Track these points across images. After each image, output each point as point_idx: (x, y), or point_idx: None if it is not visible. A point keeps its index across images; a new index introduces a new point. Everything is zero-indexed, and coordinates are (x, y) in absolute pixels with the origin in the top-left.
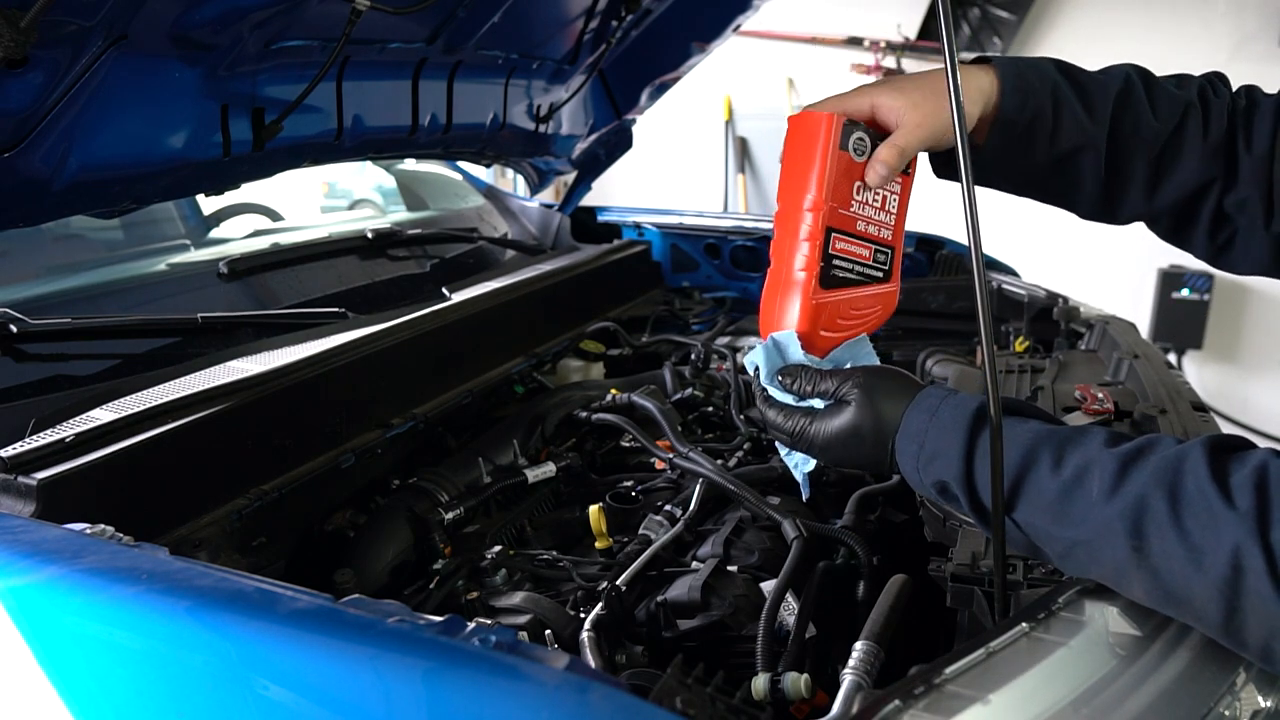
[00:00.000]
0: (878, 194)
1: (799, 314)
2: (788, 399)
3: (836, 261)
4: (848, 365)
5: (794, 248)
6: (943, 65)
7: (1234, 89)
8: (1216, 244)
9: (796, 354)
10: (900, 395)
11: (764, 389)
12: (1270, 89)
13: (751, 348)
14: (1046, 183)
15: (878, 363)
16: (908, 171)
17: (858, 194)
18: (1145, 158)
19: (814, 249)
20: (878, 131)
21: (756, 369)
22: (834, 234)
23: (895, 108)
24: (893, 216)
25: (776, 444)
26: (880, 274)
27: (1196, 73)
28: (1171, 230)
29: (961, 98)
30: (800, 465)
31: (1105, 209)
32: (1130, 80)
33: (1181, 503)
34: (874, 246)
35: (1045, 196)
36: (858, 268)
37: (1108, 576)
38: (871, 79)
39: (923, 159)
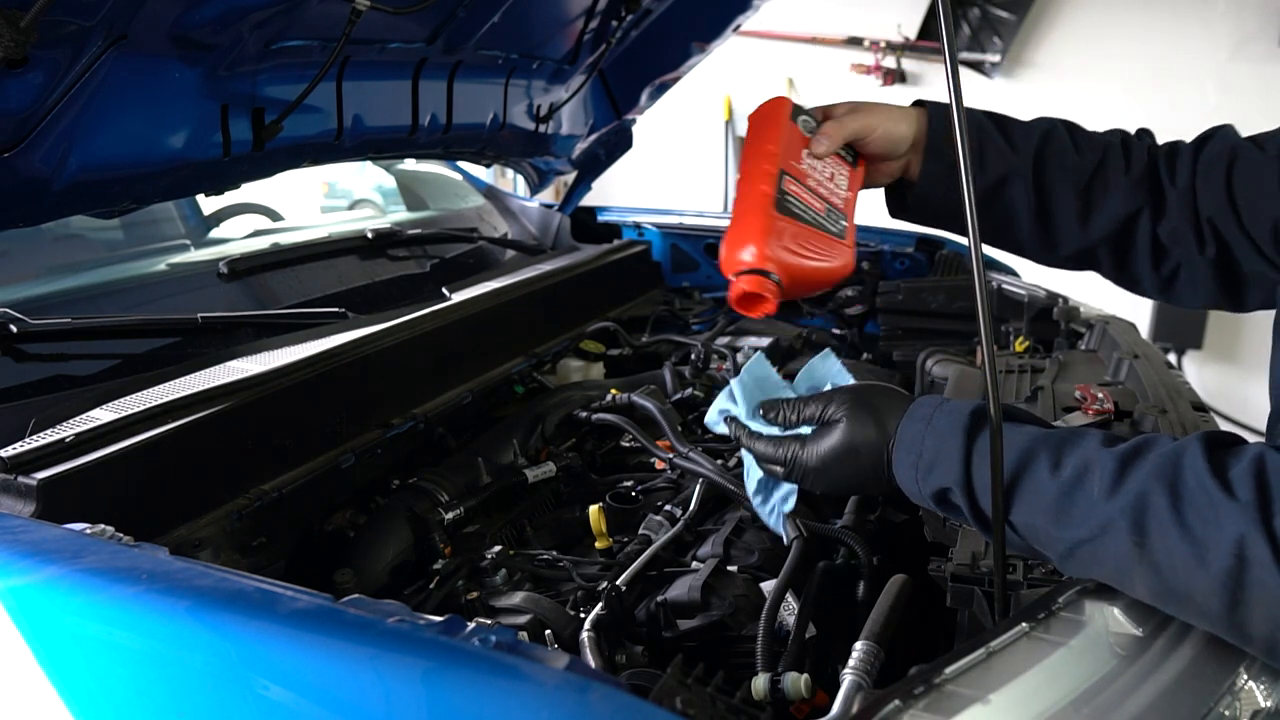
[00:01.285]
0: (827, 166)
1: (758, 230)
2: (774, 431)
3: (789, 199)
4: (826, 386)
5: (751, 189)
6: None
7: (1157, 141)
8: (1162, 276)
9: (773, 380)
10: (890, 408)
11: (745, 426)
12: (1270, 89)
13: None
14: (982, 216)
15: (850, 379)
16: (855, 165)
17: (807, 158)
18: (1073, 189)
19: (769, 183)
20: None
21: (728, 416)
22: (785, 176)
23: (840, 105)
24: (844, 191)
25: (749, 493)
26: (835, 229)
27: (1197, 73)
28: (1116, 267)
29: (962, 97)
30: (778, 506)
31: (1045, 244)
32: (1052, 123)
33: (1182, 498)
34: (826, 204)
35: (986, 235)
36: (811, 213)
37: (1109, 576)
38: (872, 79)
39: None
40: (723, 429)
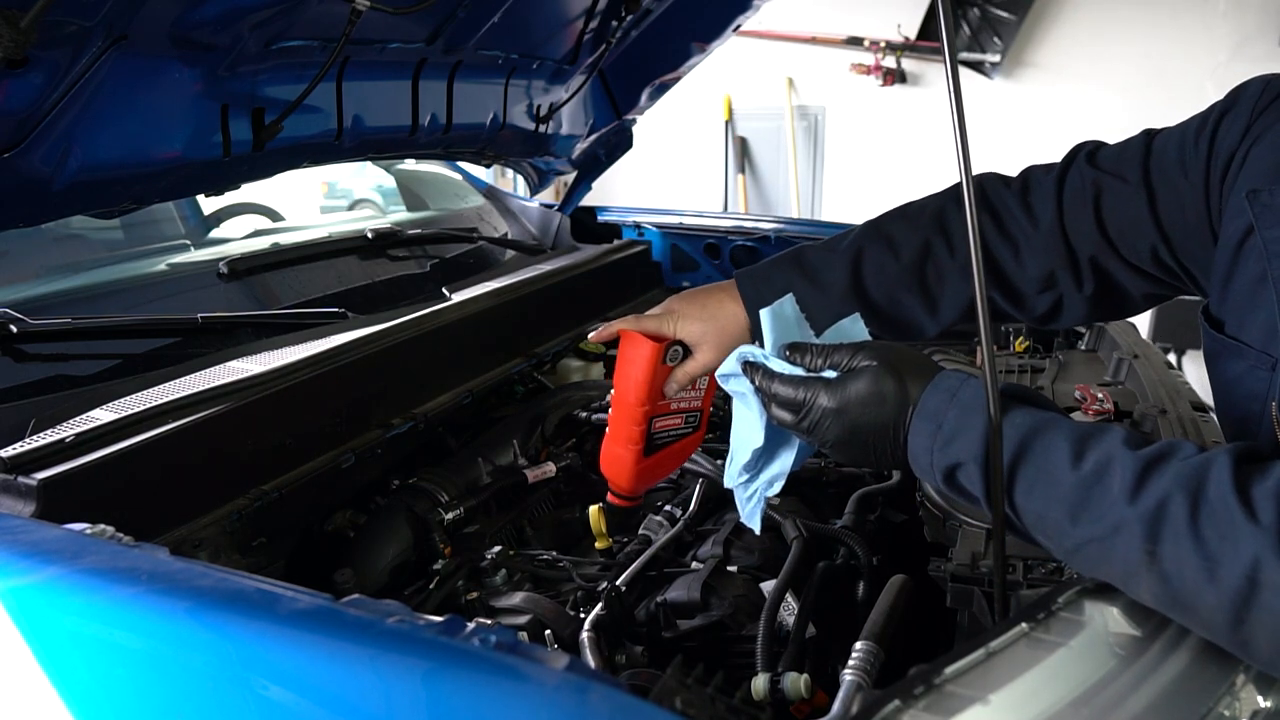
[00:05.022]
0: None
1: (630, 473)
2: (798, 372)
3: (656, 437)
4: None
5: (628, 429)
6: (719, 285)
7: (1005, 184)
8: (1037, 315)
9: (801, 324)
10: (918, 372)
11: (764, 365)
12: None
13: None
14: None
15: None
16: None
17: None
18: (908, 293)
19: (641, 433)
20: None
21: (747, 360)
22: (655, 420)
23: (694, 336)
24: (703, 390)
25: (731, 475)
26: (690, 429)
27: (1198, 74)
28: (1008, 316)
29: (962, 97)
30: (760, 491)
31: (913, 336)
32: (863, 238)
33: (1202, 511)
34: (686, 414)
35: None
36: (673, 433)
37: (1115, 576)
38: (872, 79)
39: None
40: (736, 382)
